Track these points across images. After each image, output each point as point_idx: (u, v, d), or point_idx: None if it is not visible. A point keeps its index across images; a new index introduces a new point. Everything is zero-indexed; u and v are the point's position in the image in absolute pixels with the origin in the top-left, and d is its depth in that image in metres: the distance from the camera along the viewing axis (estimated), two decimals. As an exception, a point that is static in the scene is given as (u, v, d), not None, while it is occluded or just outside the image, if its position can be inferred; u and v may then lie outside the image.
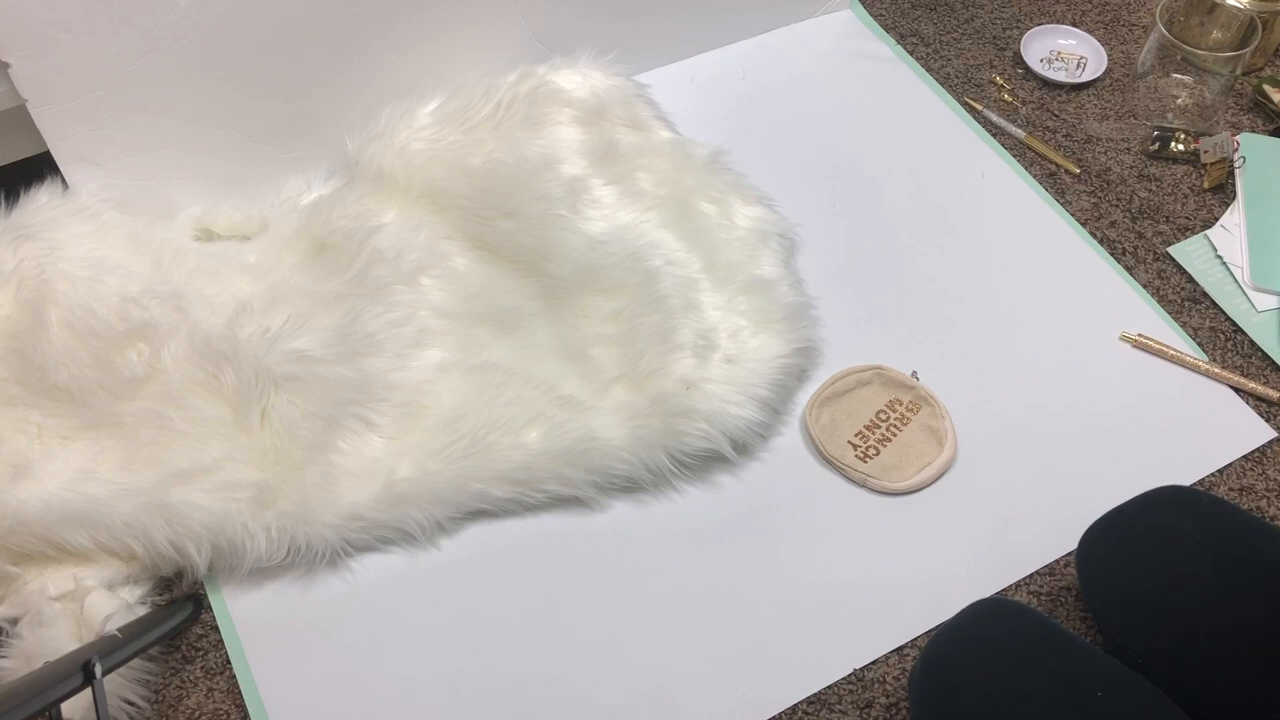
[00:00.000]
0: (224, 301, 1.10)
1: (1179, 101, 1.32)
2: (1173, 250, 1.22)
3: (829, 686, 0.94)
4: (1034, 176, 1.29)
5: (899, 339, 1.16)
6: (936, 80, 1.39)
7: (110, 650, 0.85)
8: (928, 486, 1.05)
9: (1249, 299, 1.17)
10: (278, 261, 1.16)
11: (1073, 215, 1.26)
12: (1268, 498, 1.04)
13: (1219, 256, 1.20)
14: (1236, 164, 1.26)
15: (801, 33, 1.45)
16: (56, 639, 0.91)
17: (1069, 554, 1.00)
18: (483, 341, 1.12)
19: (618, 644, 0.97)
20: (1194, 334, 1.15)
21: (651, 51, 1.38)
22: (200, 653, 0.97)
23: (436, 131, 1.19)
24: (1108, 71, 1.39)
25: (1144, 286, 1.19)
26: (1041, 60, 1.39)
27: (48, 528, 0.95)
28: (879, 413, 1.09)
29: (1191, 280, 1.19)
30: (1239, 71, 1.29)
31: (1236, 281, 1.18)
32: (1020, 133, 1.33)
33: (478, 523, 1.04)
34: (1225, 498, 1.04)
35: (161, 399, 1.02)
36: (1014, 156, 1.31)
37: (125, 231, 1.12)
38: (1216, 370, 1.12)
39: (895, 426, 1.08)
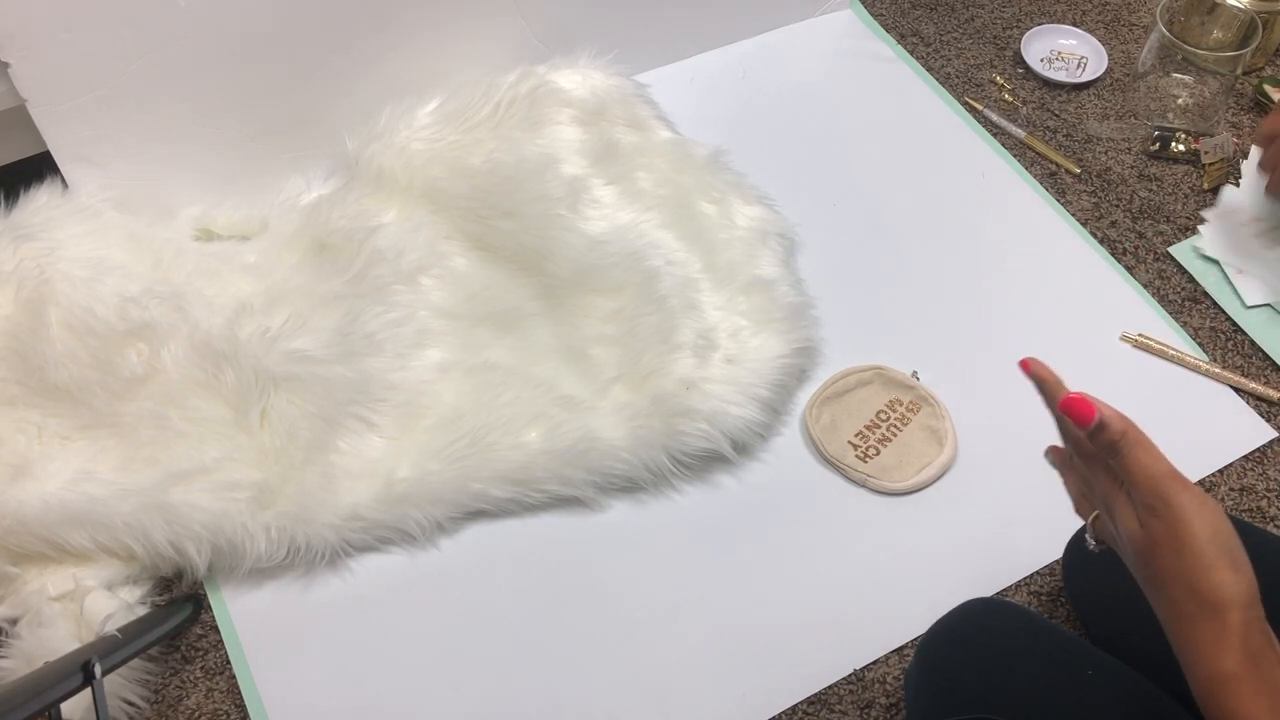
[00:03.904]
0: (224, 301, 1.10)
1: (1179, 101, 1.32)
2: (1173, 250, 1.22)
3: (829, 686, 0.94)
4: (1034, 176, 1.29)
5: (899, 339, 1.15)
6: (936, 80, 1.39)
7: (110, 650, 0.85)
8: (928, 486, 1.05)
9: (1239, 294, 1.16)
10: (278, 261, 1.16)
11: (1073, 215, 1.26)
12: (1268, 498, 1.04)
13: (1206, 256, 1.20)
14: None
15: (801, 33, 1.45)
16: (56, 639, 0.91)
17: (1069, 554, 1.00)
18: (483, 341, 1.12)
19: (618, 644, 0.97)
20: (1194, 334, 1.15)
21: (651, 51, 1.38)
22: (200, 653, 0.97)
23: (436, 131, 1.19)
24: (1108, 71, 1.39)
25: (1144, 286, 1.19)
26: (1042, 60, 1.39)
27: (48, 528, 0.95)
28: (879, 413, 1.09)
29: (1192, 280, 1.19)
30: (1239, 71, 1.28)
31: (1229, 282, 1.18)
32: (1020, 133, 1.33)
33: (478, 523, 1.04)
34: (1225, 498, 1.04)
35: (161, 399, 1.02)
36: (1014, 156, 1.31)
37: (125, 231, 1.12)
38: (1216, 370, 1.12)
39: (895, 426, 1.08)
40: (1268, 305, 1.15)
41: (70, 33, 1.05)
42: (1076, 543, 0.91)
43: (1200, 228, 1.22)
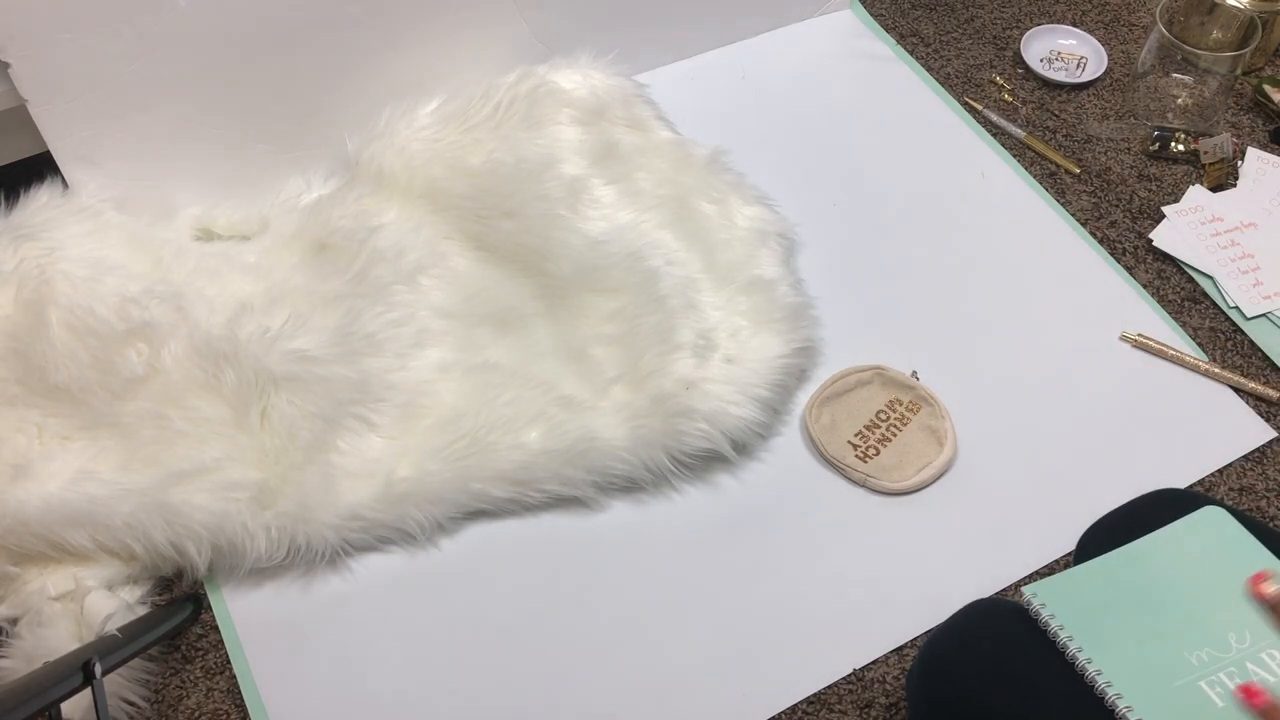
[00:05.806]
0: (224, 301, 1.10)
1: (1179, 101, 1.32)
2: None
3: (829, 686, 0.94)
4: (1034, 176, 1.29)
5: (899, 339, 1.15)
6: (936, 80, 1.39)
7: (110, 650, 0.85)
8: (928, 486, 1.05)
9: (1240, 309, 1.16)
10: (278, 261, 1.16)
11: (1073, 215, 1.26)
12: (1268, 498, 1.04)
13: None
14: None
15: (801, 33, 1.45)
16: (56, 639, 0.91)
17: (1068, 554, 1.00)
18: (483, 341, 1.12)
19: (618, 644, 0.97)
20: (1194, 334, 1.15)
21: (651, 51, 1.38)
22: (200, 653, 0.97)
23: (436, 131, 1.19)
24: (1108, 71, 1.39)
25: (1144, 286, 1.19)
26: (1041, 60, 1.39)
27: (48, 528, 0.95)
28: (879, 413, 1.09)
29: (1191, 280, 1.19)
30: (1239, 71, 1.29)
31: (1218, 288, 1.18)
32: (1020, 133, 1.33)
33: (478, 523, 1.04)
34: (1225, 498, 1.04)
35: (161, 399, 1.02)
36: (1014, 156, 1.31)
37: (125, 231, 1.12)
38: (1216, 370, 1.12)
39: (895, 426, 1.08)
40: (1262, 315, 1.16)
41: (70, 33, 1.05)
42: (1088, 537, 0.90)
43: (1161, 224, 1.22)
